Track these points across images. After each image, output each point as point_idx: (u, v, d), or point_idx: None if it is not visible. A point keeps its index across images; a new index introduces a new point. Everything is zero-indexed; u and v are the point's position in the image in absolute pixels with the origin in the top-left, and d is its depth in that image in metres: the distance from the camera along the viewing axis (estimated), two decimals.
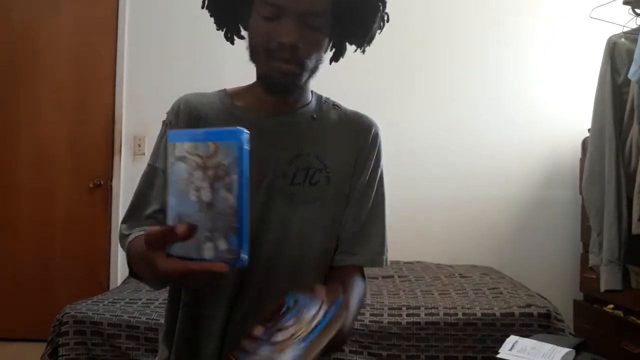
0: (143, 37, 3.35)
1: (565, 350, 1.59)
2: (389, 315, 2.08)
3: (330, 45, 0.98)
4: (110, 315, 2.00)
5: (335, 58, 1.02)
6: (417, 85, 3.36)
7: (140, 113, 3.25)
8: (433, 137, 3.33)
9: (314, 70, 0.93)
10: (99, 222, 3.28)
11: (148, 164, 0.99)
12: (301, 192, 0.95)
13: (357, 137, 1.01)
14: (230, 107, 0.98)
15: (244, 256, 0.63)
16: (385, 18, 0.99)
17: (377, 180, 1.03)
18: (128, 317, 1.99)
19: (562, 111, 3.28)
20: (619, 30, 2.11)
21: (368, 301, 2.21)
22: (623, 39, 2.03)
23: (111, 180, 3.33)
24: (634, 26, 2.11)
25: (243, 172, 0.63)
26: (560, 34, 3.31)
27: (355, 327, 2.02)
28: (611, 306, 2.67)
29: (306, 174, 0.96)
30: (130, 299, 2.18)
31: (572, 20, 3.24)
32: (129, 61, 3.35)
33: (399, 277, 2.73)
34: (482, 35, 3.34)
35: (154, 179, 0.97)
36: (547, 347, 1.61)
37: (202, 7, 0.97)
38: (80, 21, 3.34)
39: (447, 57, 3.35)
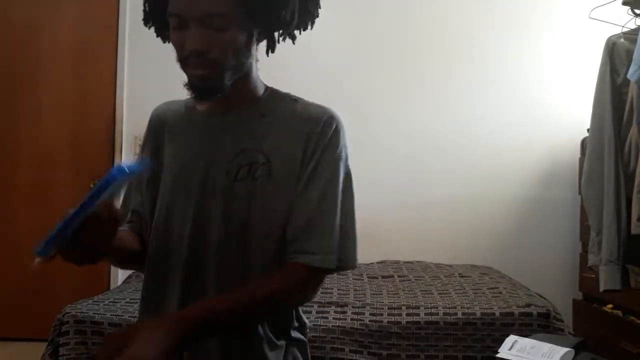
0: (143, 37, 3.30)
1: (565, 349, 1.59)
2: (388, 314, 2.08)
3: (260, 36, 0.97)
4: (111, 315, 2.00)
5: (270, 48, 1.01)
6: (416, 85, 3.36)
7: (141, 113, 3.21)
8: (432, 136, 3.34)
9: (238, 67, 0.94)
10: None
11: None
12: (243, 188, 0.95)
13: (306, 129, 0.97)
14: (190, 111, 1.05)
15: (36, 249, 0.75)
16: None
17: (327, 171, 0.96)
18: (129, 316, 2.00)
19: (562, 111, 3.29)
20: (618, 30, 2.11)
21: (367, 301, 2.21)
22: (622, 39, 2.04)
23: None
24: (633, 26, 2.11)
25: (87, 200, 0.74)
26: (559, 35, 3.31)
27: (355, 326, 2.02)
28: (610, 306, 2.68)
29: (249, 169, 0.95)
30: (130, 299, 2.18)
31: (572, 21, 3.25)
32: (129, 61, 3.36)
33: (398, 276, 2.74)
34: (481, 36, 3.34)
35: (130, 189, 1.09)
36: (547, 346, 1.62)
37: (144, 25, 1.01)
38: (80, 21, 3.35)
39: (446, 58, 3.35)
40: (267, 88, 1.04)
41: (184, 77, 0.97)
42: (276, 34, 1.00)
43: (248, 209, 0.95)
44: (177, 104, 1.09)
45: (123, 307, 2.08)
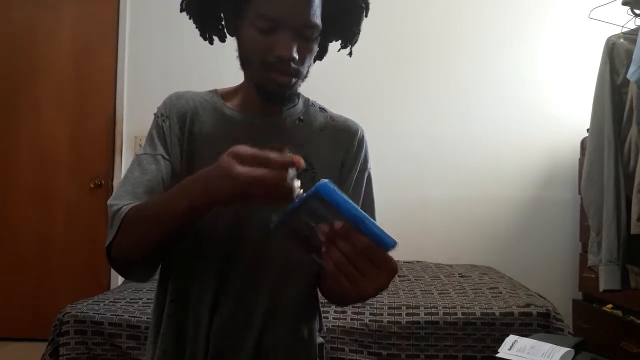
0: (143, 37, 3.35)
1: (565, 349, 1.59)
2: (388, 314, 2.08)
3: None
4: (111, 314, 2.01)
5: (319, 57, 1.02)
6: (416, 85, 3.37)
7: (141, 113, 3.25)
8: (432, 137, 3.34)
9: (306, 75, 0.95)
10: (99, 222, 3.29)
11: (146, 153, 0.95)
12: None
13: (344, 140, 1.02)
14: (221, 106, 1.00)
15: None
16: (364, 14, 1.00)
17: (364, 182, 1.03)
18: (129, 316, 2.00)
19: (561, 111, 3.29)
20: (617, 30, 2.11)
21: (367, 300, 2.21)
22: (622, 40, 2.03)
23: (112, 180, 3.34)
24: (633, 26, 2.11)
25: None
26: (559, 35, 3.32)
27: (355, 326, 2.03)
28: (610, 306, 2.68)
29: None
30: (130, 299, 2.19)
31: (571, 21, 3.25)
32: (129, 61, 3.36)
33: (398, 276, 2.74)
34: (481, 36, 3.34)
35: (151, 164, 0.93)
36: (547, 346, 1.62)
37: (181, 11, 0.97)
38: (80, 21, 3.35)
39: (446, 58, 3.36)
40: (299, 93, 1.04)
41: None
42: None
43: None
44: (200, 95, 1.01)
45: (123, 307, 2.08)
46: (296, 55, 0.87)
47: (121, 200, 0.89)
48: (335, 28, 0.97)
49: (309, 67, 0.94)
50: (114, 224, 0.85)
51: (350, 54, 1.04)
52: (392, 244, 0.66)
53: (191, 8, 0.97)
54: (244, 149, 0.70)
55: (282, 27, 0.86)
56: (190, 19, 0.98)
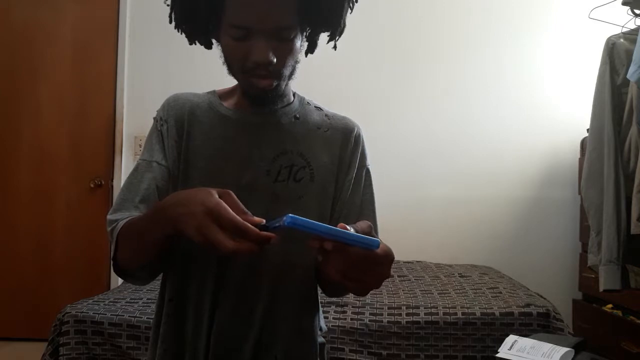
0: (143, 37, 3.35)
1: (565, 349, 1.60)
2: (388, 314, 2.08)
3: (304, 39, 0.98)
4: (111, 314, 2.01)
5: (310, 50, 1.02)
6: (416, 85, 3.37)
7: (141, 113, 3.26)
8: (432, 137, 3.34)
9: (291, 74, 0.95)
10: (99, 222, 3.29)
11: (143, 159, 0.97)
12: (285, 190, 0.96)
13: (340, 137, 1.02)
14: (218, 105, 1.01)
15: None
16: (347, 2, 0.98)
17: (363, 178, 1.04)
18: (129, 316, 2.00)
19: (562, 111, 3.30)
20: (617, 30, 2.11)
21: (367, 300, 2.21)
22: (622, 40, 2.03)
23: (112, 180, 3.34)
24: (633, 26, 2.11)
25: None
26: (559, 35, 3.32)
27: (355, 326, 2.03)
28: (610, 306, 2.68)
29: (290, 171, 0.96)
30: (131, 299, 2.19)
31: (571, 21, 3.25)
32: (129, 61, 3.36)
33: (398, 276, 2.74)
34: (481, 36, 3.35)
35: (147, 172, 0.96)
36: (547, 346, 1.62)
37: (170, 22, 0.97)
38: (80, 21, 3.35)
39: (446, 58, 3.36)
40: (294, 92, 1.05)
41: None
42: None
43: (292, 211, 0.93)
44: (199, 96, 1.03)
45: (123, 307, 2.08)
46: (273, 59, 0.87)
47: (118, 212, 0.92)
48: (317, 21, 0.95)
49: (294, 65, 0.94)
50: (112, 239, 0.89)
51: (335, 47, 1.01)
52: (376, 244, 0.69)
53: (176, 20, 0.97)
54: (224, 211, 0.71)
55: (256, 34, 0.87)
56: (175, 27, 0.98)
